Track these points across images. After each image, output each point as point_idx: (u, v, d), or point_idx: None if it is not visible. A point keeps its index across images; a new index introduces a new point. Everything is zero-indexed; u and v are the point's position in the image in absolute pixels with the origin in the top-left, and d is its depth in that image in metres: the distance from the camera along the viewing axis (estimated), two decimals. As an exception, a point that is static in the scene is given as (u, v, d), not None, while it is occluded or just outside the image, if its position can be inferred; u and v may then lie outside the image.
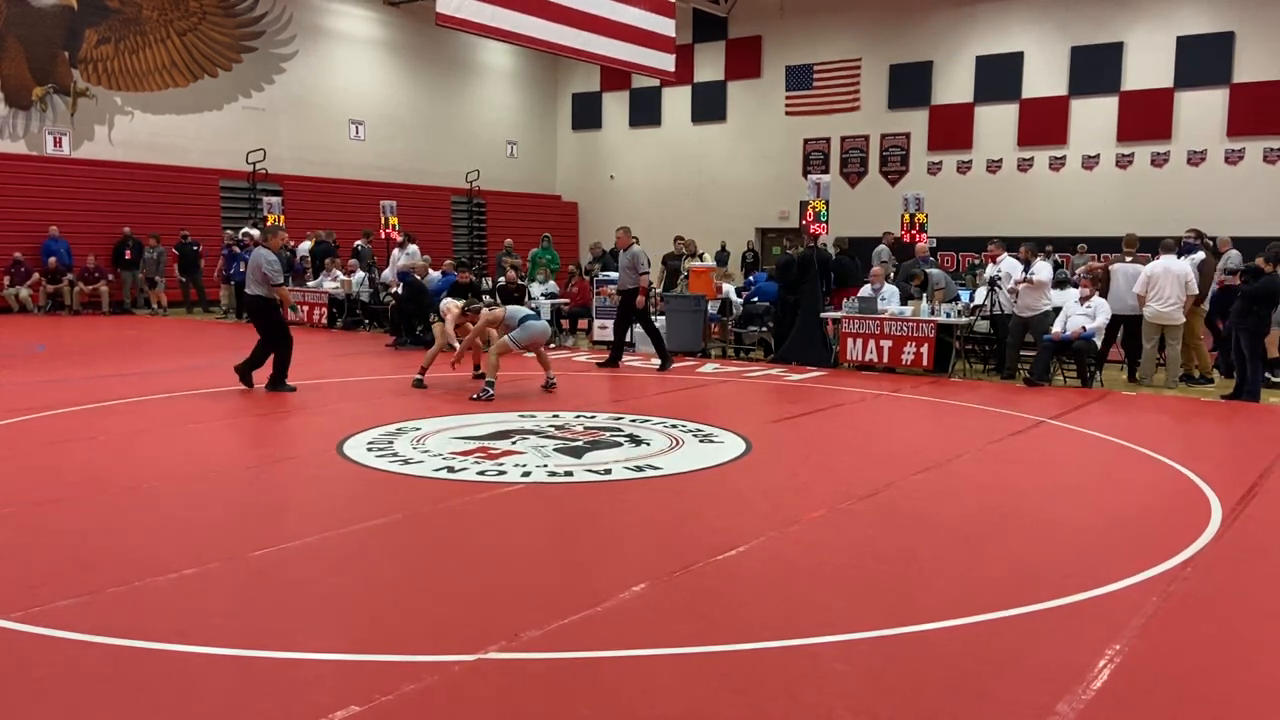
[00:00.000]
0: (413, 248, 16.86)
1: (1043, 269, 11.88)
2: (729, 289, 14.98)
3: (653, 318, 13.25)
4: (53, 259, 19.23)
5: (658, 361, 12.52)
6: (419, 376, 10.46)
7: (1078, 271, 14.11)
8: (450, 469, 6.67)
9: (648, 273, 12.55)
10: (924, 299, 12.36)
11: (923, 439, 8.26)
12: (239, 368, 10.04)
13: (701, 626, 4.00)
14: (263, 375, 10.05)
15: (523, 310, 10.16)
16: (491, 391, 9.57)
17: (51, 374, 11.05)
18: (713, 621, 4.05)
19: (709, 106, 27.92)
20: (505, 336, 9.81)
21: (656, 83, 25.50)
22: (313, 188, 23.56)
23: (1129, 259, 11.99)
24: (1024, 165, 23.61)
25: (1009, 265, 12.37)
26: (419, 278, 15.00)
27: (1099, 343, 11.30)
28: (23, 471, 6.44)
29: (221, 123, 22.67)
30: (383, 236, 18.72)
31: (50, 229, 19.45)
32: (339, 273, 17.71)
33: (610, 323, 14.50)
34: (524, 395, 10.00)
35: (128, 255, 19.98)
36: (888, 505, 5.98)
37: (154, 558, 4.72)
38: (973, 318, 12.35)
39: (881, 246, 16.51)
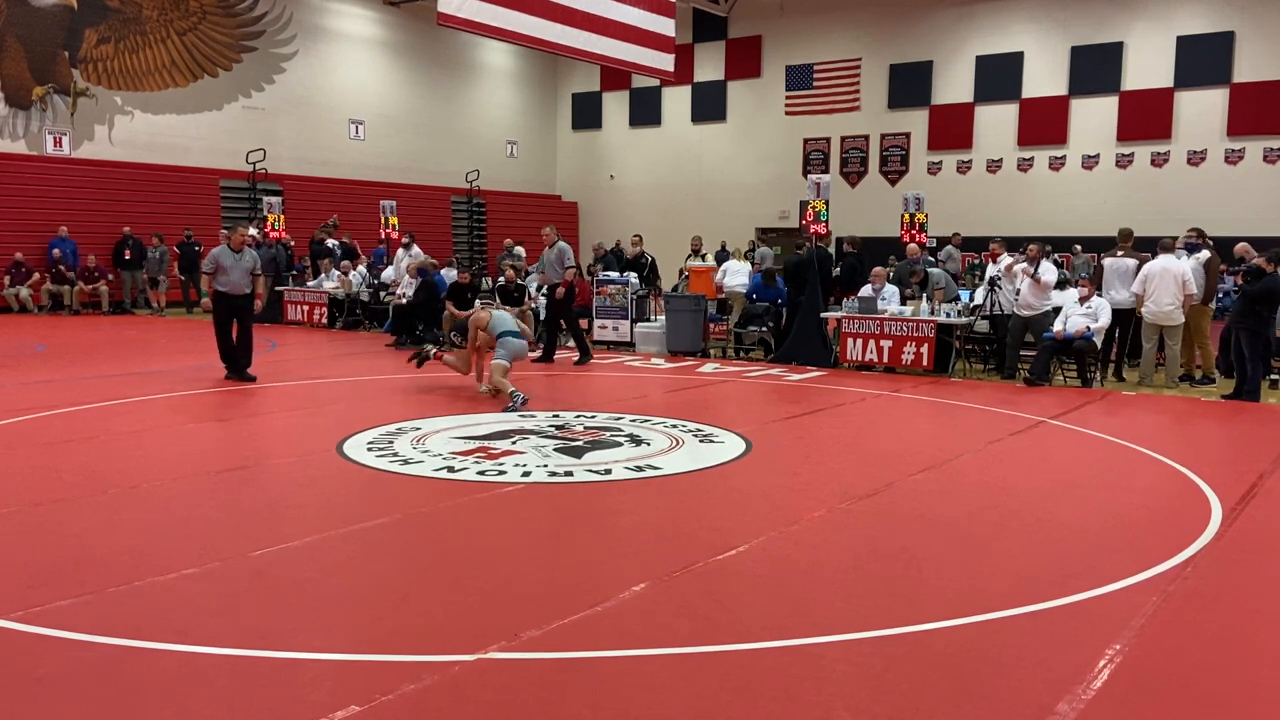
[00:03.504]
0: (415, 249, 16.86)
1: (1048, 270, 11.88)
2: (741, 268, 14.81)
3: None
4: (56, 250, 19.20)
5: (660, 360, 12.49)
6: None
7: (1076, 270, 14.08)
8: (450, 469, 6.67)
9: (573, 267, 12.75)
10: (924, 299, 12.37)
11: (923, 439, 8.25)
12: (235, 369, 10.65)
13: (701, 626, 3.99)
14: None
15: (507, 321, 9.78)
16: (519, 400, 9.18)
17: (51, 374, 11.05)
18: (713, 621, 4.05)
19: (709, 106, 27.91)
20: (496, 359, 9.59)
21: (656, 83, 25.50)
22: (313, 187, 23.56)
23: (1120, 253, 11.98)
24: (1024, 165, 23.61)
25: (1008, 263, 12.34)
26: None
27: (1099, 343, 11.29)
28: (22, 471, 6.44)
29: (221, 123, 22.68)
30: (383, 236, 18.77)
31: (60, 229, 19.45)
32: (337, 272, 17.71)
33: (609, 322, 14.57)
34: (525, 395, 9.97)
35: (127, 255, 19.97)
36: (888, 505, 5.98)
37: (154, 558, 4.72)
38: (973, 318, 12.35)
39: (950, 248, 16.37)
